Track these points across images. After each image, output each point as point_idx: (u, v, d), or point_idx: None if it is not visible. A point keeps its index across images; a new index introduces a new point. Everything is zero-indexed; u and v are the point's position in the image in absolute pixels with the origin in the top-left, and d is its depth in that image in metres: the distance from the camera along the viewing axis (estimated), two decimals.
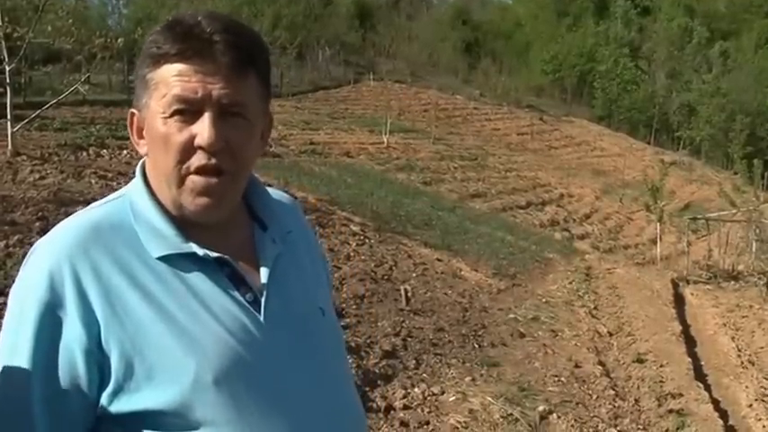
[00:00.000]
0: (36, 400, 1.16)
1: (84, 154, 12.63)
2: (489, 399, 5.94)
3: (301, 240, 1.46)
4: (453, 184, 23.45)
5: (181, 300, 1.22)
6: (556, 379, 7.25)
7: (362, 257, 10.14)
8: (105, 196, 1.36)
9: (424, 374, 6.52)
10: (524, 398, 6.31)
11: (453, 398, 5.89)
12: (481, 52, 63.18)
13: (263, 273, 1.31)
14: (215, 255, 1.25)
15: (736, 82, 59.36)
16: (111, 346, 1.17)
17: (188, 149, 1.23)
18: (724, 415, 8.15)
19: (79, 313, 1.17)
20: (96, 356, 1.17)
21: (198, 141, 1.22)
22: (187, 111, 1.22)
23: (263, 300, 1.28)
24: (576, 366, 8.00)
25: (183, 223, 1.27)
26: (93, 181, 10.06)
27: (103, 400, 1.19)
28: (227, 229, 1.31)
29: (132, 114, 1.29)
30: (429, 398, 5.88)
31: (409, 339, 7.32)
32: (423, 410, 5.62)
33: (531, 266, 14.48)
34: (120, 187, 1.37)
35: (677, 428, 7.19)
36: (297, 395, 1.26)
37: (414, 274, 10.34)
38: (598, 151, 43.42)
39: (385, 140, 25.51)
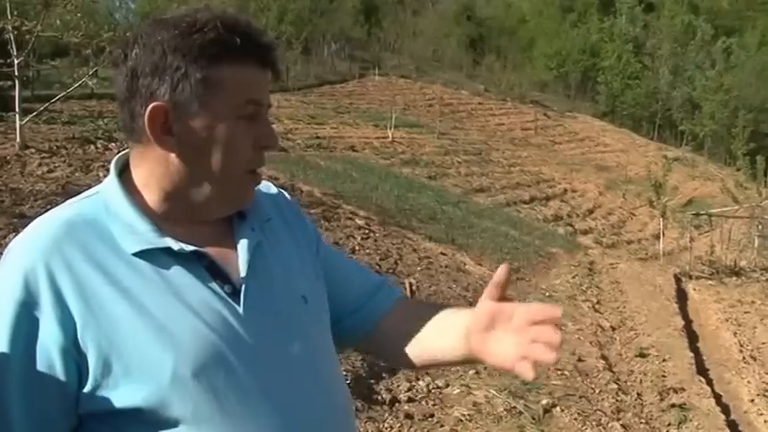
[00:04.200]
0: (14, 402, 1.14)
1: (92, 147, 12.63)
2: (493, 392, 5.99)
3: (284, 228, 1.44)
4: (458, 178, 23.49)
5: (157, 294, 1.19)
6: (559, 373, 7.29)
7: (367, 251, 10.20)
8: None
9: None
10: (528, 391, 6.35)
11: (457, 391, 5.95)
12: (486, 48, 63.17)
13: (242, 263, 1.29)
14: (191, 248, 1.23)
15: (740, 78, 59.31)
16: (87, 344, 1.14)
17: (253, 150, 1.28)
18: (726, 410, 8.19)
19: (55, 312, 1.14)
20: (73, 355, 1.15)
21: (265, 143, 1.29)
22: (252, 114, 1.26)
23: (242, 291, 1.26)
24: (579, 360, 8.06)
25: (160, 219, 1.26)
26: (101, 174, 10.09)
27: (83, 398, 1.16)
28: (206, 221, 1.31)
29: (160, 108, 1.20)
30: (433, 391, 5.94)
31: None
32: (427, 403, 5.68)
33: (534, 261, 14.55)
34: None
35: (679, 422, 7.24)
36: (279, 386, 1.25)
37: (418, 268, 10.40)
38: (601, 147, 43.43)
39: (390, 135, 25.55)
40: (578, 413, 6.14)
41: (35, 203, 7.50)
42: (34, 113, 11.85)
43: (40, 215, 1.24)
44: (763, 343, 11.70)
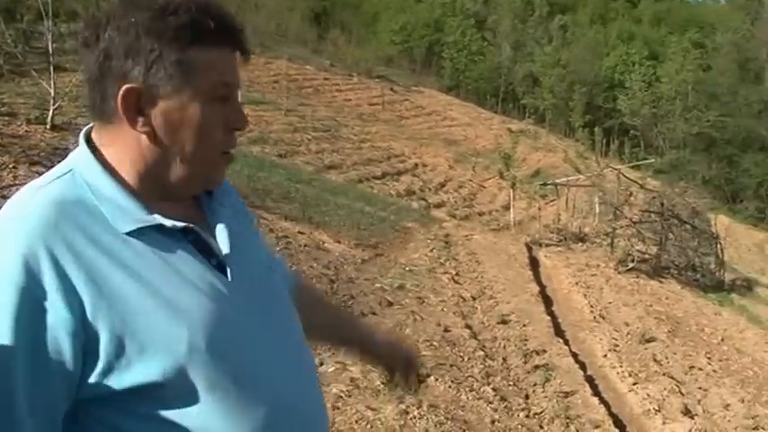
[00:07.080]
0: (20, 391, 1.11)
1: None
2: (368, 366, 5.95)
3: (239, 205, 1.52)
4: (308, 156, 23.27)
5: (159, 271, 1.22)
6: (428, 344, 7.36)
7: None
8: None
9: None
10: None
11: (333, 368, 5.86)
12: (330, 22, 62.95)
13: (222, 237, 1.34)
14: (181, 224, 1.26)
15: (575, 54, 62.28)
16: (99, 326, 1.14)
17: (225, 132, 1.30)
18: (583, 366, 8.68)
19: (62, 296, 1.12)
20: (81, 338, 1.13)
21: (236, 125, 1.32)
22: (224, 96, 1.29)
23: (227, 263, 1.31)
24: (446, 331, 8.16)
25: (143, 197, 1.27)
26: None
27: (91, 381, 1.16)
28: (177, 198, 1.34)
29: (133, 90, 1.22)
30: None
31: None
32: None
33: (391, 236, 14.62)
34: None
35: (544, 382, 7.54)
36: (272, 355, 1.31)
37: (277, 249, 10.18)
38: (448, 121, 44.30)
39: None
40: (452, 381, 6.26)
41: None
42: None
43: None
44: (610, 302, 12.40)
